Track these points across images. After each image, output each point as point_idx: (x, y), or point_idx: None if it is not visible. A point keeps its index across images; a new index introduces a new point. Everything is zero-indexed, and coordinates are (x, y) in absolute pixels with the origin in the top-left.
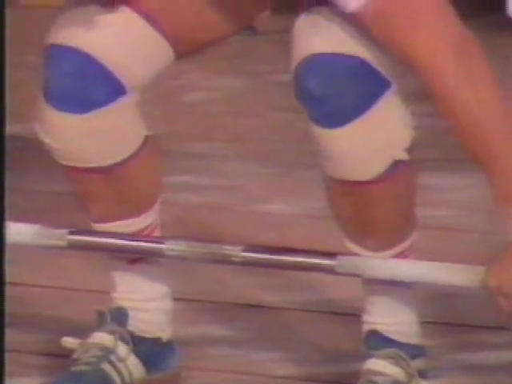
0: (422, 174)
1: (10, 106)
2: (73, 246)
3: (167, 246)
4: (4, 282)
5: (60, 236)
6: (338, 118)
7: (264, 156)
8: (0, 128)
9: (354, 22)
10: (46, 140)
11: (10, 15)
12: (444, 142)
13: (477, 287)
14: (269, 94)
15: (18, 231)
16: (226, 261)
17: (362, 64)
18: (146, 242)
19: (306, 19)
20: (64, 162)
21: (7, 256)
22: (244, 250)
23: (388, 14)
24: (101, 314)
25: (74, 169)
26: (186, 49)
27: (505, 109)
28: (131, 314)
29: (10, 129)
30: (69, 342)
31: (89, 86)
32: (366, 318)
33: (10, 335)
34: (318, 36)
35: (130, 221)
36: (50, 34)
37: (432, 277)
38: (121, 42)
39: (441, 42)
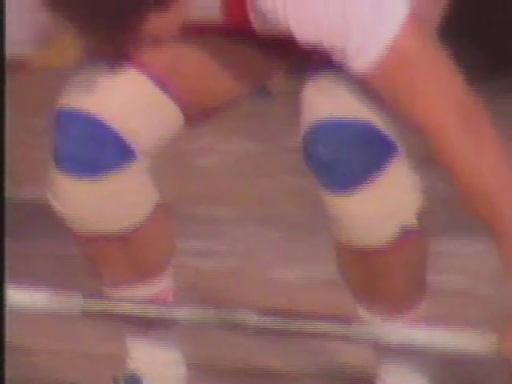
0: (437, 239)
1: (19, 170)
2: (87, 313)
3: (180, 312)
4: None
5: (74, 303)
6: (347, 184)
7: (276, 220)
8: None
9: (362, 85)
10: (57, 206)
11: (17, 79)
12: (458, 208)
13: (491, 353)
14: (281, 157)
15: (31, 297)
16: (239, 327)
17: (371, 128)
18: (159, 307)
19: (314, 84)
20: (75, 228)
21: (20, 321)
22: (258, 316)
23: (395, 78)
24: (115, 380)
25: (85, 234)
26: (197, 113)
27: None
28: (145, 380)
29: (20, 192)
30: None
31: (98, 150)
32: None
33: None
34: (325, 101)
35: (143, 285)
36: (60, 98)
37: (446, 343)
38: (130, 106)
39: (448, 109)
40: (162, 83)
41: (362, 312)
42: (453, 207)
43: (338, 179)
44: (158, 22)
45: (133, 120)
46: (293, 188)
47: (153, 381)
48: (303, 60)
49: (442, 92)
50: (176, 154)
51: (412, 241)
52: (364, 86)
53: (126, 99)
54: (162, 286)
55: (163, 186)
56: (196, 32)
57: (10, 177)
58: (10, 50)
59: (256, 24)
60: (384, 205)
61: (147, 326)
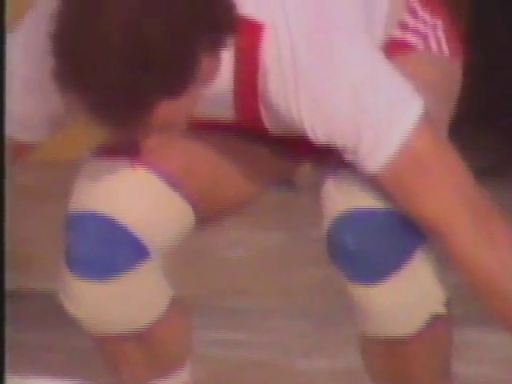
0: (464, 329)
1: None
2: None
3: None
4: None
5: None
6: (374, 273)
7: (301, 311)
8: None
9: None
10: (71, 309)
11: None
12: None
13: None
14: (306, 248)
15: None
16: None
17: (397, 218)
18: None
19: (334, 178)
20: (90, 330)
21: None
22: None
23: (406, 179)
24: None
25: (102, 335)
26: (210, 214)
27: None
28: None
29: (34, 284)
30: None
31: (112, 250)
32: None
33: None
34: (345, 194)
35: (162, 381)
36: (71, 198)
37: None
38: (142, 205)
39: (458, 208)
40: (175, 183)
41: None
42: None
43: (364, 269)
44: (168, 110)
45: (145, 219)
46: (318, 279)
47: None
48: (318, 157)
49: (452, 192)
50: (202, 246)
51: (438, 330)
52: (376, 184)
53: (139, 199)
54: (179, 381)
55: (189, 278)
56: (208, 128)
57: (11, 266)
58: (17, 134)
59: (268, 121)
60: (411, 294)
61: None
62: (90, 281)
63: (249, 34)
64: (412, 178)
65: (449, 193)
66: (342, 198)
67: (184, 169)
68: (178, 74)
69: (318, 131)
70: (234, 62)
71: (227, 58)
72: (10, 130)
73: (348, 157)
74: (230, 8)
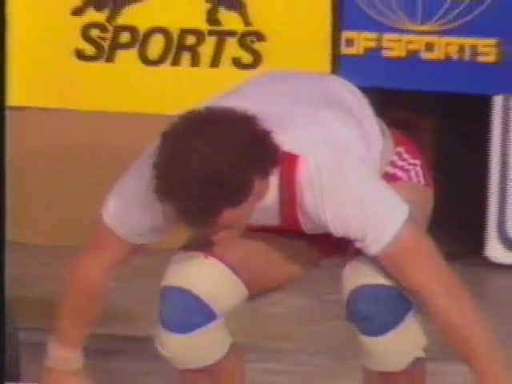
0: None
1: None
2: None
3: None
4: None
5: None
6: (380, 329)
7: (323, 350)
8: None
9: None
10: (163, 352)
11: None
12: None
13: None
14: (325, 307)
15: None
16: None
17: (396, 292)
18: None
19: (351, 265)
20: (177, 366)
21: None
22: None
23: (398, 260)
24: None
25: (184, 370)
26: (259, 290)
27: (485, 327)
28: None
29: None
30: None
31: (191, 314)
32: None
33: None
34: (362, 273)
35: None
36: (165, 277)
37: None
38: (213, 284)
39: (435, 281)
40: (234, 269)
41: None
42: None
43: (371, 327)
44: (230, 216)
45: (213, 293)
46: (335, 327)
47: None
48: (336, 249)
49: (431, 270)
50: (253, 304)
51: (419, 366)
52: (377, 263)
53: (210, 279)
54: None
55: (244, 328)
56: (259, 230)
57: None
58: (131, 239)
59: (304, 224)
60: (402, 343)
61: None
62: (175, 334)
63: (288, 163)
64: (402, 260)
65: (428, 271)
66: (357, 276)
67: (241, 258)
68: (238, 192)
69: (337, 229)
70: (279, 184)
71: (273, 181)
72: (126, 235)
73: (358, 244)
74: (274, 147)
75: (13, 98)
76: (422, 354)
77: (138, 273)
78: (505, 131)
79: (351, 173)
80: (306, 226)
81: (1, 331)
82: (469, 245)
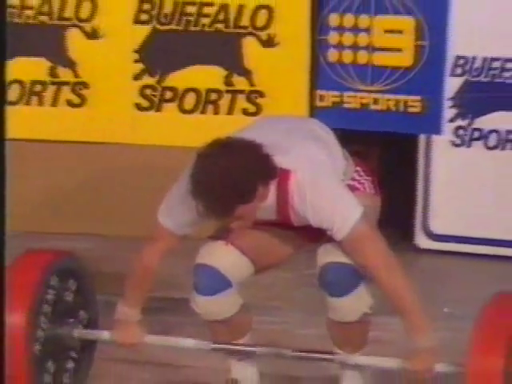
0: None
1: None
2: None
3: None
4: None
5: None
6: (341, 293)
7: (298, 306)
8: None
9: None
10: (196, 310)
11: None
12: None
13: (406, 369)
14: (305, 280)
15: None
16: None
17: (353, 267)
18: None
19: (323, 248)
20: (204, 318)
21: None
22: None
23: (354, 244)
24: None
25: (210, 321)
26: (261, 268)
27: (412, 291)
28: None
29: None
30: None
31: (215, 282)
32: None
33: None
34: (330, 254)
35: (236, 342)
36: (197, 257)
37: (386, 365)
38: (229, 262)
39: (381, 260)
40: (245, 252)
41: (338, 351)
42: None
43: (336, 290)
44: (242, 211)
45: (231, 269)
46: (309, 292)
47: None
48: (318, 236)
49: (377, 253)
50: (257, 277)
51: (366, 319)
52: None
53: (228, 259)
54: (247, 339)
55: (251, 292)
56: (262, 224)
57: None
58: (176, 231)
59: (293, 219)
60: (356, 302)
61: None
62: (204, 296)
63: (283, 176)
64: (357, 245)
65: (374, 253)
66: (326, 256)
67: (249, 244)
68: (247, 194)
69: (315, 221)
70: (276, 190)
71: (273, 188)
72: (174, 229)
73: (328, 233)
74: (273, 165)
75: (102, 135)
76: (369, 311)
77: (176, 253)
78: (426, 157)
79: (324, 182)
80: (295, 220)
81: (1, 331)
82: (402, 234)
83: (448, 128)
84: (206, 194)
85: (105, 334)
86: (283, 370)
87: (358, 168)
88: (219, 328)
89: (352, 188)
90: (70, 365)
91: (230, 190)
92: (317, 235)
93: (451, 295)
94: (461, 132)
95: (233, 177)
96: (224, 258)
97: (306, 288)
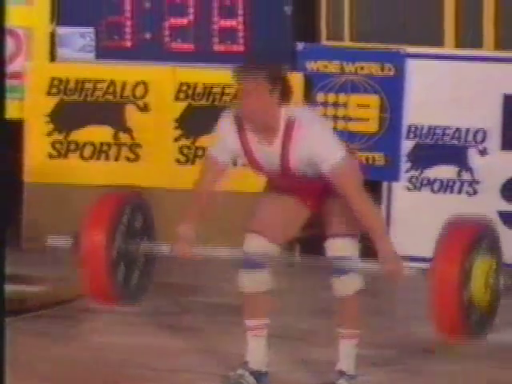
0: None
1: None
2: None
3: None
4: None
5: None
6: (342, 273)
7: (306, 310)
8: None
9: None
10: (240, 284)
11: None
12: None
13: (381, 272)
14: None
15: None
16: None
17: (355, 260)
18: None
19: (330, 245)
20: (245, 291)
21: None
22: None
23: (338, 176)
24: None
25: (246, 295)
26: (285, 241)
27: (377, 213)
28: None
29: None
30: None
31: (253, 262)
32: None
33: None
34: (333, 249)
35: (259, 321)
36: (243, 246)
37: (371, 268)
38: (262, 248)
39: (356, 192)
40: (270, 239)
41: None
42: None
43: (339, 273)
44: (262, 87)
45: (262, 253)
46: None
47: None
48: (318, 205)
49: (354, 185)
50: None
51: (359, 294)
52: (328, 180)
53: (260, 245)
54: (267, 321)
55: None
56: (268, 178)
57: None
58: (219, 158)
59: (292, 164)
60: (352, 280)
61: None
62: (246, 270)
63: (289, 124)
64: (340, 177)
65: (352, 184)
66: (331, 250)
67: (272, 230)
68: (273, 76)
69: (311, 158)
70: (282, 136)
71: (280, 134)
72: (215, 155)
73: (319, 165)
74: (291, 89)
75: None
76: (362, 287)
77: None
78: (388, 197)
79: (320, 128)
80: (294, 165)
81: (1, 331)
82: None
83: (404, 176)
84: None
85: (164, 248)
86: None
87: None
88: (251, 302)
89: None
90: (136, 273)
91: (265, 66)
92: (317, 203)
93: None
94: (413, 180)
95: (267, 64)
96: (257, 246)
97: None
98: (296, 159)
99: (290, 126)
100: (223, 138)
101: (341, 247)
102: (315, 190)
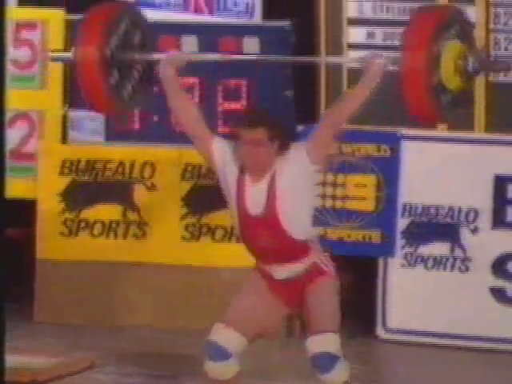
0: None
1: None
2: None
3: None
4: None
5: None
6: (327, 370)
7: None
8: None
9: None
10: (207, 372)
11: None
12: None
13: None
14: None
15: None
16: None
17: (333, 354)
18: None
19: (311, 340)
20: (211, 378)
21: None
22: None
23: (316, 131)
24: None
25: (214, 381)
26: (254, 337)
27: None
28: None
29: None
30: None
31: (219, 353)
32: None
33: None
34: (315, 345)
35: None
36: (209, 335)
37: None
38: (227, 338)
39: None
40: (240, 331)
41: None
42: None
43: (324, 370)
44: (262, 136)
45: (229, 342)
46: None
47: None
48: (299, 302)
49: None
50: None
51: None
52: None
53: (227, 335)
54: None
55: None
56: (251, 226)
57: None
58: None
59: (277, 212)
60: (338, 376)
61: None
62: (212, 362)
63: (279, 163)
64: (316, 132)
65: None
66: (314, 347)
67: (241, 321)
68: (273, 125)
69: (300, 169)
70: (272, 171)
71: (271, 171)
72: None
73: (307, 154)
74: (292, 136)
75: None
76: (348, 379)
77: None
78: (384, 272)
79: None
80: (281, 200)
81: (1, 330)
82: (366, 328)
83: (399, 253)
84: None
85: (157, 56)
86: None
87: (326, 253)
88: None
89: (321, 271)
90: (130, 84)
91: (265, 115)
92: (297, 301)
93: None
94: (408, 256)
95: (270, 115)
96: (223, 335)
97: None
98: (284, 187)
99: (280, 165)
100: (227, 156)
101: (323, 343)
102: (295, 287)
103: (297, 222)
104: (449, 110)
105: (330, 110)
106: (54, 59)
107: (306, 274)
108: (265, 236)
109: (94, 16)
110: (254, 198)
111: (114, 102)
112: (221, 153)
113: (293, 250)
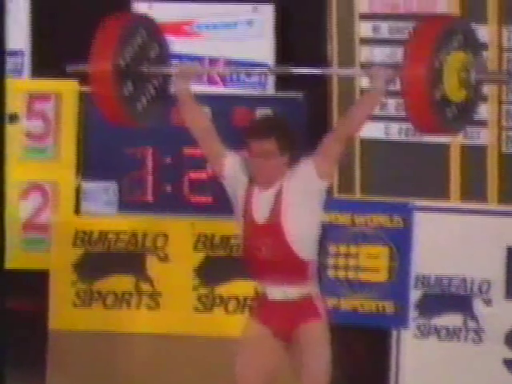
0: None
1: None
2: None
3: None
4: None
5: None
6: None
7: None
8: None
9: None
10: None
11: None
12: None
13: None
14: None
15: None
16: None
17: None
18: None
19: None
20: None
21: None
22: None
23: (321, 147)
24: None
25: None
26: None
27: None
28: None
29: None
30: None
31: None
32: None
33: None
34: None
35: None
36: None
37: None
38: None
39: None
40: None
41: None
42: None
43: None
44: (273, 146)
45: None
46: None
47: None
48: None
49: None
50: None
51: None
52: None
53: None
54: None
55: None
56: (254, 237)
57: None
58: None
59: (281, 221)
60: None
61: None
62: None
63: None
64: (322, 146)
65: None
66: None
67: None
68: (284, 134)
69: (306, 182)
70: (280, 182)
71: (280, 182)
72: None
73: (314, 168)
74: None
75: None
76: None
77: None
78: (397, 343)
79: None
80: (287, 208)
81: (1, 330)
82: None
83: (412, 324)
84: (259, 120)
85: (172, 69)
86: None
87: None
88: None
89: (315, 311)
90: (145, 98)
91: (275, 123)
92: (287, 334)
93: None
94: (421, 327)
95: (281, 125)
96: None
97: None
98: (290, 201)
99: (288, 178)
100: (237, 168)
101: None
102: (287, 315)
103: (300, 236)
104: (454, 122)
105: (338, 122)
106: (69, 71)
107: (299, 306)
108: (267, 246)
109: (109, 26)
110: (261, 205)
111: (125, 113)
112: (231, 166)
113: (292, 266)
